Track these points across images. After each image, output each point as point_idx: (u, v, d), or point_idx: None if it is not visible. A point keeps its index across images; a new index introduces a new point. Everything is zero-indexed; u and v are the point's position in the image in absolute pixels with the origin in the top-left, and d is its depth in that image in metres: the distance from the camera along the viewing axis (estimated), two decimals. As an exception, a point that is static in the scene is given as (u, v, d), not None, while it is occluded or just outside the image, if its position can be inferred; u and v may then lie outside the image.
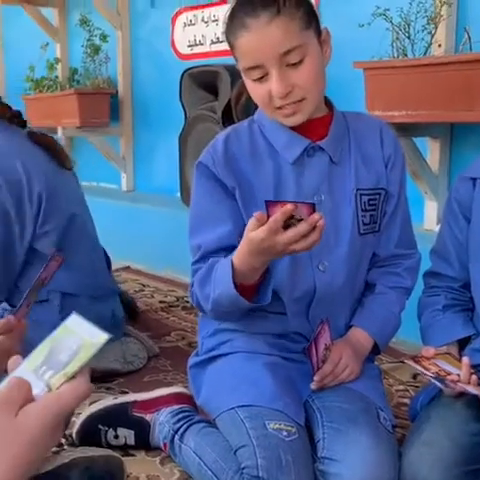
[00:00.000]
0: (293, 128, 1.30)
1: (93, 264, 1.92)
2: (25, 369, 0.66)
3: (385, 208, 1.38)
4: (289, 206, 1.06)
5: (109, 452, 1.32)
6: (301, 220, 1.07)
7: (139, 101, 3.56)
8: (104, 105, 3.48)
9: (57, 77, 3.80)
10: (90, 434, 1.48)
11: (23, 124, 1.84)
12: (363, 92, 2.01)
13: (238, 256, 1.18)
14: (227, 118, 2.60)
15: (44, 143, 1.82)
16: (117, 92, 3.55)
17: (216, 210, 1.32)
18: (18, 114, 1.82)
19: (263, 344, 1.38)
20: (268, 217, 1.09)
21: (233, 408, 1.29)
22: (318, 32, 1.24)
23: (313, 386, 1.32)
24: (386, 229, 1.39)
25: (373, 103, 1.99)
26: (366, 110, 1.98)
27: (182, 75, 2.86)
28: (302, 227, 1.08)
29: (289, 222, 1.08)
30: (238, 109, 1.42)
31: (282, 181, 1.32)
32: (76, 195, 1.93)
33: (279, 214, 1.07)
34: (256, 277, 1.22)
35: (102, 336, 0.65)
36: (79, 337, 0.66)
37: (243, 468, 1.20)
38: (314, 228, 1.09)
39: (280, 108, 1.25)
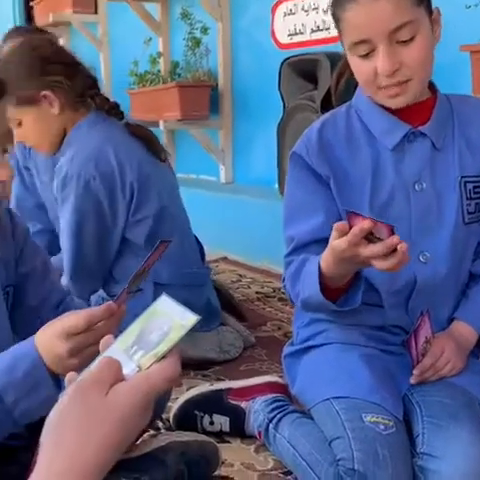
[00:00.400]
0: (393, 112, 1.26)
1: (185, 254, 1.94)
2: (116, 349, 0.67)
3: None
4: (367, 224, 1.01)
5: (204, 438, 1.33)
6: (380, 239, 1.02)
7: (239, 93, 3.57)
8: (204, 98, 3.52)
9: (159, 71, 3.88)
10: (186, 419, 1.51)
11: (121, 115, 1.88)
12: (469, 76, 1.92)
13: (324, 260, 1.15)
14: (326, 107, 2.55)
15: (140, 134, 1.86)
16: (217, 84, 3.58)
17: (310, 201, 1.30)
18: (116, 106, 1.87)
19: (359, 335, 1.35)
20: (350, 227, 1.04)
21: (328, 399, 1.27)
22: (429, 10, 1.19)
23: (412, 380, 1.28)
24: None
25: (480, 87, 1.90)
26: (473, 94, 1.89)
27: (281, 65, 2.84)
28: (377, 248, 1.02)
29: (369, 237, 1.03)
30: (337, 93, 1.38)
31: (380, 168, 1.28)
32: (169, 187, 1.96)
33: (357, 229, 1.02)
34: (344, 281, 1.18)
35: (192, 318, 0.65)
36: (169, 318, 0.66)
37: (338, 460, 1.18)
38: (395, 250, 1.02)
39: (384, 88, 1.20)
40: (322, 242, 1.21)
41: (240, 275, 2.93)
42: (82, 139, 1.77)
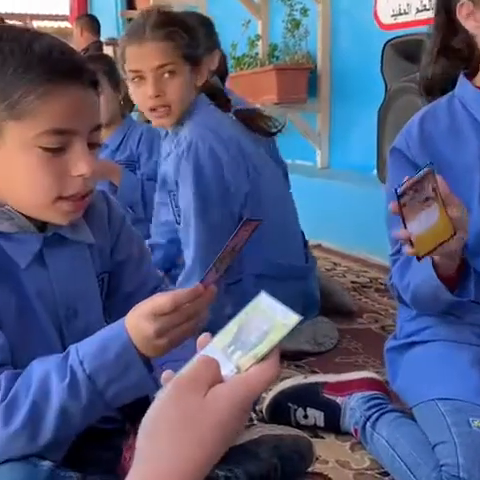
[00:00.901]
0: None
1: (287, 246, 1.90)
2: (213, 348, 0.64)
3: None
4: None
5: (298, 432, 1.30)
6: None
7: (338, 75, 3.48)
8: (302, 81, 3.45)
9: (257, 54, 3.84)
10: (279, 411, 1.47)
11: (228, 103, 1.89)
12: None
13: None
14: (431, 90, 2.44)
15: (247, 118, 1.87)
16: (316, 67, 3.50)
17: None
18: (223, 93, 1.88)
19: (470, 334, 1.27)
20: None
21: (433, 400, 1.20)
22: None
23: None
24: None
25: None
26: None
27: (384, 46, 2.74)
28: None
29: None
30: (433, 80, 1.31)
31: None
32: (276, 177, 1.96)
33: None
34: (454, 267, 1.12)
35: (293, 317, 0.61)
36: (269, 317, 0.63)
37: (441, 465, 1.12)
38: None
39: None
40: None
41: (334, 263, 2.86)
42: (203, 113, 1.79)
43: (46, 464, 0.94)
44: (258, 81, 3.56)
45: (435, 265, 1.11)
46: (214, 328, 0.67)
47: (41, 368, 0.92)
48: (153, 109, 1.76)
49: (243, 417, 0.59)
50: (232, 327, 0.65)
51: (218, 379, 0.59)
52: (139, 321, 0.90)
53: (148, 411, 0.59)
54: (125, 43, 1.76)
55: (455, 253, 1.08)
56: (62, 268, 1.05)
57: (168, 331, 0.90)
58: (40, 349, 0.99)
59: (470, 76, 1.26)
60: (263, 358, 0.60)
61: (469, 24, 1.20)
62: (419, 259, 1.02)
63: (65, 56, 0.93)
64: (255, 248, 1.72)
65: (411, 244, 1.00)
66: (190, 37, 1.76)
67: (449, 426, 1.14)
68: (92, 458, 1.11)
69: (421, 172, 0.98)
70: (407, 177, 0.98)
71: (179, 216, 1.83)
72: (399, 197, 0.97)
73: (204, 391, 0.58)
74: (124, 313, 0.98)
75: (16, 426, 0.89)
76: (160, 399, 0.59)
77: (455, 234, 1.01)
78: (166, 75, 1.72)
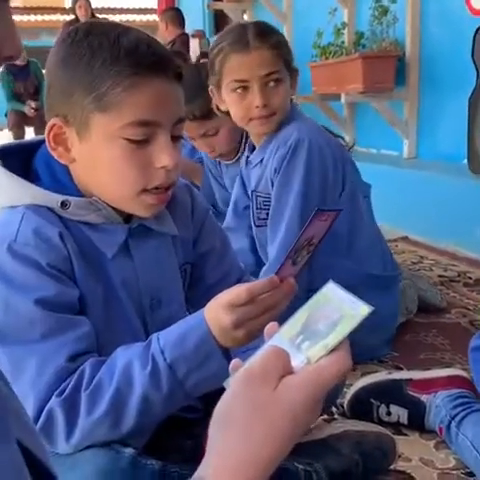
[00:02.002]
0: None
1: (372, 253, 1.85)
2: (281, 337, 0.63)
3: None
4: None
5: (381, 429, 1.27)
6: None
7: (427, 63, 3.37)
8: (389, 69, 3.36)
9: (343, 42, 3.78)
10: (361, 406, 1.45)
11: None
12: None
13: None
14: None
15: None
16: (404, 54, 3.40)
17: None
18: None
19: None
20: None
21: None
22: None
23: None
24: None
25: None
26: None
27: (476, 32, 2.63)
28: None
29: None
30: None
31: None
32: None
33: None
34: None
35: (364, 308, 0.60)
36: (338, 307, 0.62)
37: None
38: None
39: None
40: None
41: (421, 256, 2.78)
42: (302, 119, 1.77)
43: (128, 451, 0.96)
44: (343, 70, 3.51)
45: None
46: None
47: (124, 356, 0.94)
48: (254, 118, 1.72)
49: (315, 409, 0.59)
50: (300, 317, 0.64)
51: (288, 370, 0.59)
52: (217, 312, 0.91)
53: (219, 403, 0.59)
54: (226, 51, 1.71)
55: None
56: (147, 259, 1.07)
57: (245, 322, 0.90)
58: (125, 337, 1.02)
59: None
60: (333, 349, 0.59)
61: None
62: None
63: (151, 49, 0.95)
64: (339, 257, 1.72)
65: None
66: (287, 44, 1.76)
67: None
68: (173, 447, 1.13)
69: None
70: None
71: (259, 219, 1.83)
72: None
73: (275, 383, 0.58)
74: (206, 304, 0.99)
75: (100, 413, 0.91)
76: (231, 391, 0.59)
77: None
78: (271, 84, 1.69)
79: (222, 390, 1.14)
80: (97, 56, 0.92)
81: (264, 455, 0.56)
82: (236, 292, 0.91)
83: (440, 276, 2.49)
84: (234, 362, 0.65)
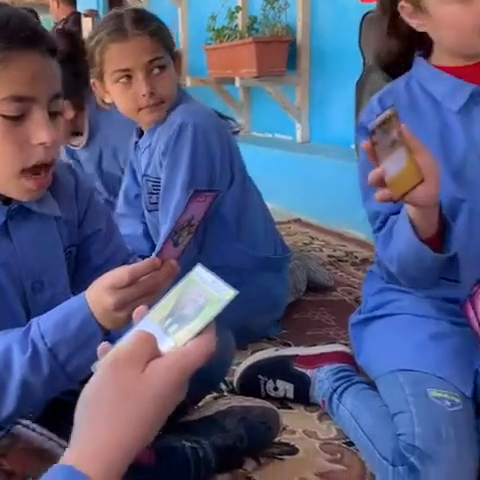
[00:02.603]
0: (458, 74, 1.20)
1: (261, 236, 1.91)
2: (150, 320, 0.64)
3: None
4: None
5: (265, 404, 1.32)
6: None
7: (317, 48, 3.46)
8: (282, 53, 3.42)
9: (237, 26, 3.81)
10: (250, 383, 1.49)
11: None
12: None
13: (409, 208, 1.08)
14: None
15: None
16: (295, 40, 3.47)
17: None
18: None
19: (431, 308, 1.29)
20: None
21: (394, 371, 1.23)
22: None
23: (483, 355, 1.21)
24: None
25: None
26: None
27: (362, 19, 2.71)
28: None
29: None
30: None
31: (448, 133, 1.22)
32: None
33: None
34: (433, 230, 1.10)
35: (229, 292, 0.62)
36: (204, 290, 0.63)
37: (399, 435, 1.14)
38: None
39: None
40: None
41: (312, 238, 2.87)
42: (189, 103, 1.77)
43: None
44: (238, 54, 3.53)
45: (415, 228, 1.09)
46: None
47: (3, 341, 0.92)
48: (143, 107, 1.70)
49: (180, 391, 0.60)
50: (169, 300, 0.65)
51: (156, 354, 0.60)
52: (99, 294, 0.91)
53: (86, 386, 0.59)
54: (105, 42, 1.67)
55: (427, 207, 1.05)
56: (27, 241, 1.05)
57: (127, 304, 0.90)
58: (6, 321, 1.00)
59: (426, 56, 1.27)
60: (200, 333, 0.61)
61: (413, 23, 1.20)
62: (395, 202, 1.01)
63: (23, 24, 0.93)
64: (230, 241, 1.76)
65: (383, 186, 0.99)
66: (167, 29, 1.74)
67: (407, 397, 1.17)
68: (58, 432, 1.12)
69: (387, 111, 0.96)
70: (375, 115, 0.98)
71: (150, 203, 1.83)
72: (371, 135, 0.96)
73: (142, 367, 0.59)
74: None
75: None
76: (98, 375, 0.59)
77: (423, 181, 0.97)
78: (156, 70, 1.67)
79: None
80: None
81: (129, 437, 0.57)
82: (118, 274, 0.91)
83: (329, 256, 2.58)
84: (102, 346, 0.65)
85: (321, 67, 3.45)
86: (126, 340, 0.63)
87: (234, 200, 1.79)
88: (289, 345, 1.76)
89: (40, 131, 0.93)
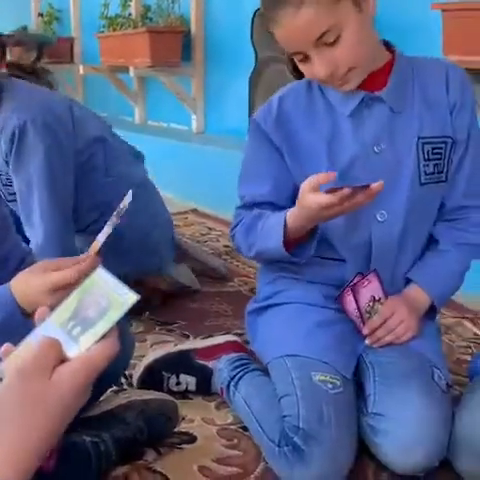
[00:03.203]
0: None
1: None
2: (53, 322, 0.66)
3: (452, 156, 1.32)
4: (347, 192, 1.11)
5: (164, 396, 1.36)
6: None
7: (211, 40, 3.50)
8: (176, 44, 3.44)
9: (130, 15, 3.78)
10: (151, 379, 1.50)
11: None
12: (440, 36, 1.90)
13: (292, 215, 1.23)
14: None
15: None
16: (189, 31, 3.50)
17: (260, 169, 1.38)
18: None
19: (318, 296, 1.38)
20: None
21: (282, 357, 1.30)
22: None
23: (367, 341, 1.31)
24: (452, 178, 1.34)
25: (451, 47, 1.88)
26: (442, 55, 1.88)
27: (254, 15, 2.78)
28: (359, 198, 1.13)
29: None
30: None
31: (338, 135, 1.31)
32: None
33: (337, 197, 1.11)
34: (304, 232, 1.26)
35: (131, 297, 0.64)
36: (107, 293, 0.65)
37: (284, 416, 1.21)
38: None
39: (329, 83, 1.24)
40: (270, 205, 1.35)
41: (209, 228, 2.93)
42: (22, 93, 1.73)
43: None
44: (131, 43, 3.52)
45: (287, 228, 1.24)
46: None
47: None
48: None
49: (85, 394, 0.63)
50: (71, 302, 0.67)
51: (61, 358, 0.63)
52: (37, 295, 0.94)
53: None
54: None
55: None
56: None
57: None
58: None
59: None
60: (103, 336, 0.64)
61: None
62: None
63: None
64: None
65: None
66: None
67: (293, 380, 1.24)
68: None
69: None
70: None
71: (9, 194, 1.80)
72: None
73: (48, 374, 0.61)
74: None
75: None
76: (4, 384, 0.61)
77: None
78: None
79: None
80: None
81: (40, 441, 0.59)
82: (63, 274, 0.93)
83: (225, 246, 2.64)
84: (5, 347, 0.66)
85: (216, 59, 3.49)
86: (31, 346, 0.64)
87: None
88: (187, 336, 1.82)
89: None
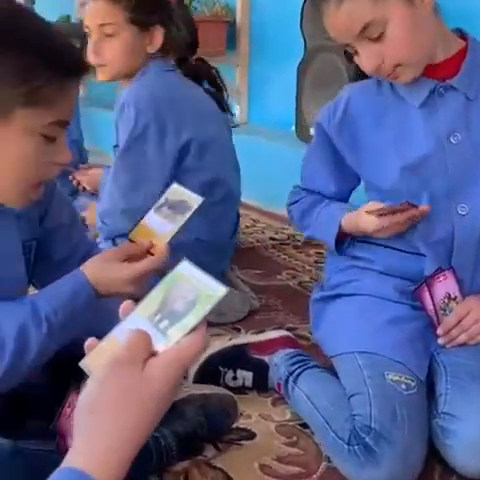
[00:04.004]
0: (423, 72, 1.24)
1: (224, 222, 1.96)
2: (139, 316, 0.64)
3: None
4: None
5: (224, 391, 1.34)
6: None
7: (257, 29, 3.45)
8: (221, 33, 3.40)
9: (175, 4, 3.75)
10: (208, 374, 1.46)
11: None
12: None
13: (348, 222, 1.33)
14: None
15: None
16: (235, 20, 3.45)
17: (320, 170, 1.44)
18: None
19: (392, 290, 1.34)
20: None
21: (353, 353, 1.27)
22: None
23: (440, 341, 1.27)
24: None
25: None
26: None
27: (304, 1, 2.73)
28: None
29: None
30: None
31: (408, 130, 1.28)
32: (228, 154, 2.09)
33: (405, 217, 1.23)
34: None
35: (221, 289, 0.61)
36: (194, 287, 0.63)
37: (354, 415, 1.18)
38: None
39: (381, 76, 1.23)
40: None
41: (254, 220, 2.89)
42: (151, 78, 1.78)
43: None
44: (176, 32, 3.49)
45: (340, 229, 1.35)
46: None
47: (12, 320, 1.00)
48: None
49: (177, 388, 0.62)
50: (157, 295, 0.64)
51: (151, 352, 0.61)
52: (116, 286, 1.05)
53: (85, 391, 0.59)
54: None
55: None
56: None
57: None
58: None
59: None
60: (192, 329, 0.61)
61: None
62: None
63: (77, 53, 0.99)
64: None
65: None
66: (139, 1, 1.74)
67: (365, 378, 1.21)
68: (18, 425, 1.11)
69: None
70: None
71: None
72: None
73: (141, 366, 0.59)
74: (54, 279, 1.05)
75: None
76: (97, 378, 0.59)
77: None
78: (106, 35, 1.73)
79: (67, 365, 1.13)
80: (31, 46, 0.90)
81: (137, 436, 0.57)
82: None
83: (272, 239, 2.61)
84: (89, 341, 0.65)
85: (261, 48, 3.45)
86: (117, 339, 0.62)
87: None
88: (239, 330, 1.78)
89: (64, 154, 0.99)
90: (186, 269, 0.65)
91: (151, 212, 1.11)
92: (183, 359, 0.60)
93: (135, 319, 0.64)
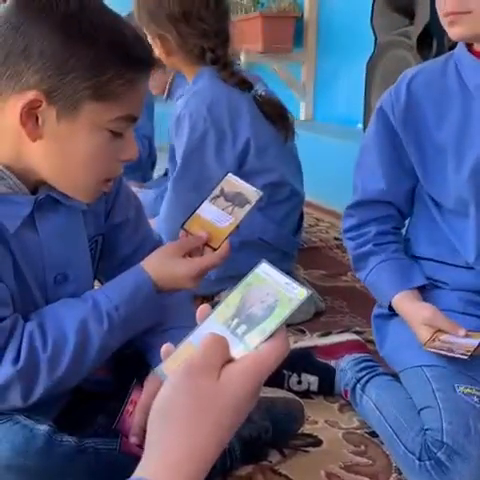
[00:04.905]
0: None
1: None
2: (216, 320, 0.61)
3: None
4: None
5: (289, 394, 1.31)
6: None
7: (325, 25, 3.40)
8: (288, 29, 3.36)
9: (242, 0, 3.73)
10: (272, 377, 1.44)
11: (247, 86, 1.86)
12: None
13: (399, 310, 1.29)
14: (423, 45, 2.39)
15: (270, 110, 1.90)
16: (302, 15, 3.41)
17: (378, 162, 1.32)
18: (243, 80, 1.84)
19: (456, 300, 1.27)
20: None
21: (420, 366, 1.21)
22: None
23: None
24: None
25: None
26: None
27: (375, -3, 2.66)
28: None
29: None
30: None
31: (473, 127, 1.19)
32: (293, 167, 2.09)
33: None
34: None
35: (302, 292, 0.58)
36: (274, 289, 0.60)
37: (426, 430, 1.13)
38: None
39: (445, 15, 1.13)
40: (383, 203, 1.35)
41: (317, 219, 2.84)
42: (201, 86, 1.77)
43: (43, 428, 0.96)
44: (243, 29, 3.46)
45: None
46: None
47: (73, 315, 0.99)
48: None
49: (255, 397, 0.58)
50: (233, 299, 0.62)
51: (228, 358, 0.58)
52: (181, 283, 1.05)
53: (158, 396, 0.57)
54: None
55: None
56: (53, 233, 1.03)
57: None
58: (28, 311, 1.00)
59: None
60: (271, 334, 0.58)
61: None
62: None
63: (146, 47, 0.96)
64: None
65: None
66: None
67: (434, 391, 1.15)
68: (84, 422, 1.10)
69: None
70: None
71: None
72: None
73: (217, 373, 0.56)
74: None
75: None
76: (171, 384, 0.56)
77: None
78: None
79: (132, 362, 1.12)
80: (101, 38, 0.88)
81: (209, 448, 0.54)
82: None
83: (336, 238, 2.55)
84: (165, 347, 0.62)
85: (328, 45, 3.39)
86: (193, 345, 0.60)
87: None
88: (303, 332, 1.74)
89: (131, 149, 0.97)
90: (264, 270, 0.62)
91: (206, 202, 1.06)
92: (262, 366, 0.57)
93: (211, 324, 0.62)
